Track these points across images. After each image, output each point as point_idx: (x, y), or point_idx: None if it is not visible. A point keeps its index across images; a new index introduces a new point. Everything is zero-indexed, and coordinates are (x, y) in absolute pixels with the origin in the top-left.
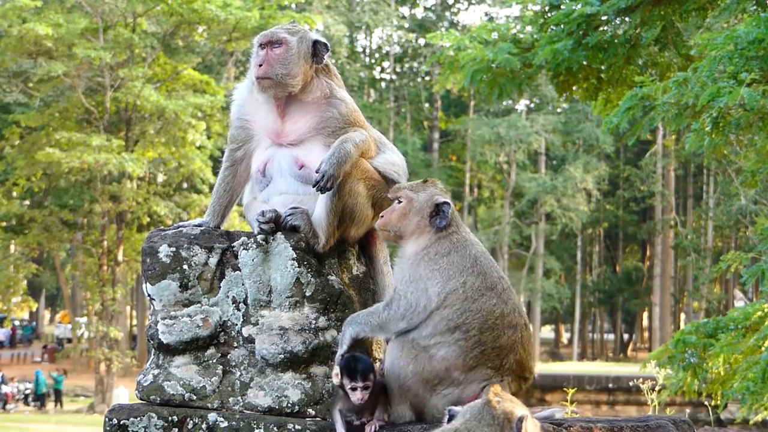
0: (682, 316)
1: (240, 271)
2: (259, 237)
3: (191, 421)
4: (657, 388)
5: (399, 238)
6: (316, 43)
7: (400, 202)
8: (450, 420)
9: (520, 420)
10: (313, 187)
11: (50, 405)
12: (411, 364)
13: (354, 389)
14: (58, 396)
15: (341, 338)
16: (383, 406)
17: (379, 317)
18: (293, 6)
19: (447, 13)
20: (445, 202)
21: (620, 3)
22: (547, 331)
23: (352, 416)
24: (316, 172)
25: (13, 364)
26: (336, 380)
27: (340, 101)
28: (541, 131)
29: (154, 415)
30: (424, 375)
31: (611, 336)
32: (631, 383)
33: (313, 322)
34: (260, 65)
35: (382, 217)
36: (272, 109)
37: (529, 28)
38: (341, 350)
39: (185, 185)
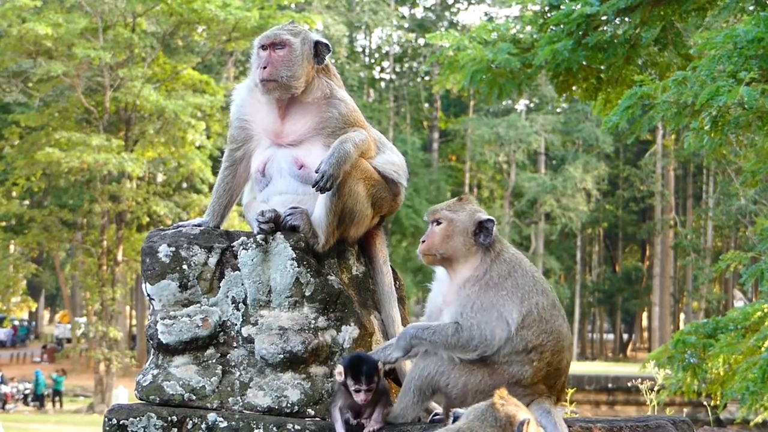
0: (682, 316)
1: (239, 271)
2: (258, 237)
3: (191, 421)
4: (656, 389)
5: (446, 260)
6: (317, 43)
7: (439, 223)
8: (455, 421)
9: (522, 423)
10: (313, 187)
11: (49, 405)
12: (464, 377)
13: (358, 391)
14: (58, 396)
15: (396, 342)
16: (383, 405)
17: (447, 340)
18: (293, 6)
19: (447, 13)
20: (489, 219)
21: (620, 3)
22: None
23: (348, 413)
24: (316, 172)
25: (12, 364)
26: (339, 378)
27: (340, 101)
28: (541, 131)
29: (153, 415)
30: (479, 387)
31: (611, 336)
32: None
33: (313, 322)
34: (264, 67)
35: (423, 242)
36: (272, 110)
37: (528, 28)
38: (395, 355)
39: (185, 185)
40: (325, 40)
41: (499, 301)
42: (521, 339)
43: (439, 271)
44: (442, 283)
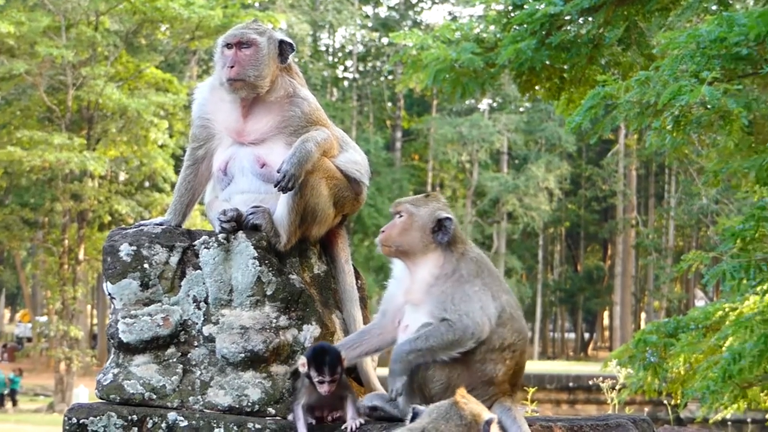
0: (643, 315)
1: (201, 270)
2: (220, 236)
3: (151, 421)
4: (617, 387)
5: (401, 254)
6: (281, 43)
7: (400, 216)
8: (414, 418)
9: (488, 423)
10: (275, 186)
11: (8, 405)
12: (446, 374)
13: (321, 382)
14: (14, 396)
15: (395, 372)
16: (352, 401)
17: (444, 339)
18: (257, 5)
19: (410, 12)
20: (448, 218)
21: (583, 3)
22: None
23: (310, 418)
24: (278, 171)
25: None
26: (303, 370)
27: (303, 100)
28: (504, 130)
29: (113, 414)
30: (457, 384)
31: (572, 335)
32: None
33: (274, 321)
34: (231, 66)
35: (382, 232)
36: (235, 108)
37: (492, 28)
38: (399, 383)
39: (147, 184)
40: (289, 40)
41: (477, 294)
42: (498, 337)
43: (398, 268)
44: (402, 281)
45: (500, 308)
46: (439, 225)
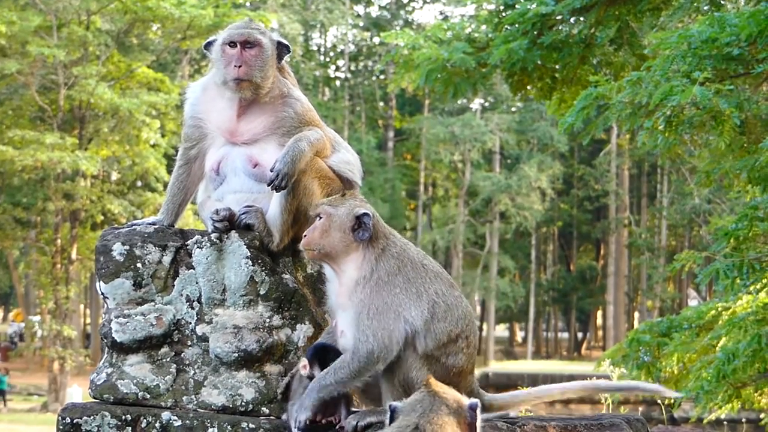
0: (636, 314)
1: (194, 269)
2: (213, 235)
3: (145, 420)
4: None
5: (325, 256)
6: (278, 44)
7: (320, 218)
8: (393, 415)
9: (473, 408)
10: (268, 185)
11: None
12: (426, 371)
13: None
14: (2, 395)
15: (303, 406)
16: (348, 404)
17: (349, 369)
18: (248, 4)
19: (402, 12)
20: (365, 213)
21: (575, 3)
22: (501, 330)
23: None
24: (271, 171)
25: None
26: (305, 372)
27: (296, 100)
28: (496, 130)
29: (107, 413)
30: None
31: (565, 334)
32: None
33: (267, 320)
34: (239, 66)
35: (305, 236)
36: (228, 108)
37: (483, 28)
38: (303, 416)
39: (139, 183)
40: (285, 41)
41: (395, 300)
42: (441, 331)
43: (328, 270)
44: (332, 283)
45: (430, 302)
46: (358, 222)
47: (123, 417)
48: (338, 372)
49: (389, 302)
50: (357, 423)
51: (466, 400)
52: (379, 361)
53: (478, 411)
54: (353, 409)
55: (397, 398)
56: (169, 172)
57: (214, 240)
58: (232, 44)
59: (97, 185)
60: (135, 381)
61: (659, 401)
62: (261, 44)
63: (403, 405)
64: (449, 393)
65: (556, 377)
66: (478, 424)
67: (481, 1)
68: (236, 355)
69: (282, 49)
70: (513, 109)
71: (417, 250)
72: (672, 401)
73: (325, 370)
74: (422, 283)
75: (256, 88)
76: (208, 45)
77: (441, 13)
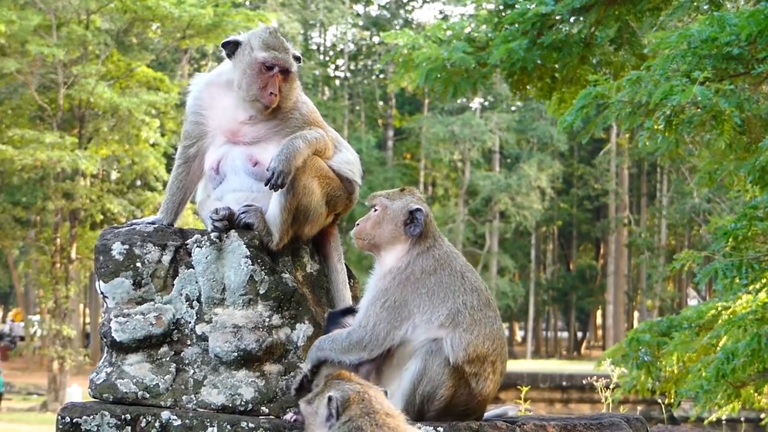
0: (636, 314)
1: (193, 268)
2: (212, 234)
3: (144, 420)
4: (611, 387)
5: (374, 246)
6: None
7: (375, 209)
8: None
9: (385, 393)
10: (265, 185)
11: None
12: (450, 391)
13: None
14: None
15: (306, 361)
16: None
17: (341, 343)
18: (247, 3)
19: (401, 11)
20: (418, 209)
21: (575, 2)
22: None
23: None
24: (267, 170)
25: None
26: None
27: (303, 104)
28: (495, 129)
29: (106, 413)
30: (458, 402)
31: (565, 334)
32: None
33: (267, 320)
34: (273, 94)
35: (357, 224)
36: (233, 110)
37: (483, 27)
38: (306, 367)
39: (139, 183)
40: (298, 54)
41: (415, 300)
42: (468, 342)
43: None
44: (373, 275)
45: (454, 310)
46: (411, 217)
47: (122, 416)
48: (334, 342)
49: (409, 300)
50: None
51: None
52: (365, 350)
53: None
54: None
55: (410, 408)
56: (169, 171)
57: (214, 239)
58: (269, 67)
59: (96, 184)
60: (134, 380)
61: (659, 400)
62: (294, 74)
63: (304, 406)
64: (342, 383)
65: (555, 376)
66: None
67: (481, 1)
68: (236, 354)
69: (297, 60)
70: (513, 108)
71: (464, 261)
72: (672, 400)
73: (327, 335)
74: (453, 291)
75: (278, 110)
76: (227, 44)
77: (441, 13)
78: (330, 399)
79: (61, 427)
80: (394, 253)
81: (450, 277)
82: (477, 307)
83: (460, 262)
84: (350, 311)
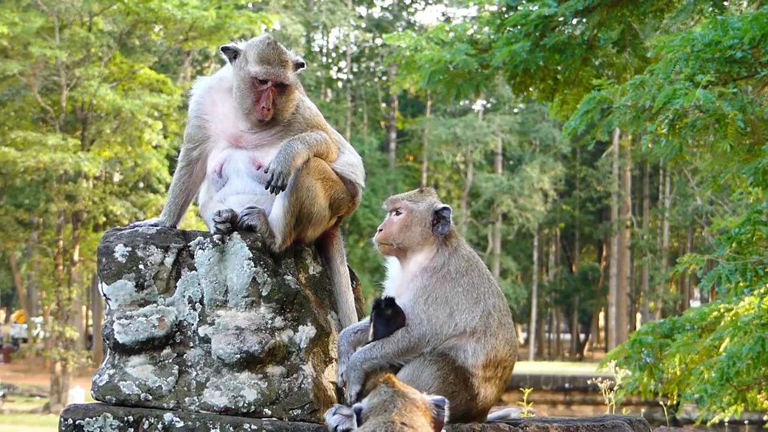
0: (638, 316)
1: (196, 270)
2: (215, 237)
3: (147, 421)
4: (614, 388)
5: (401, 251)
6: (298, 65)
7: (399, 213)
8: (360, 417)
9: (439, 405)
10: (266, 188)
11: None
12: (451, 396)
13: None
14: None
15: (351, 380)
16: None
17: (398, 345)
18: (250, 5)
19: (404, 13)
20: (445, 208)
21: (578, 4)
22: None
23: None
24: (265, 172)
25: None
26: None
27: (307, 108)
28: (498, 131)
29: (109, 415)
30: (464, 412)
31: (567, 336)
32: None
33: (270, 322)
34: (266, 108)
35: (380, 230)
36: (234, 116)
37: (486, 29)
38: (353, 390)
39: (141, 185)
40: (302, 60)
41: (454, 298)
42: (491, 347)
43: (392, 267)
44: (395, 279)
45: (486, 312)
46: (438, 216)
47: (125, 418)
48: (386, 346)
49: (449, 298)
50: (337, 427)
51: (429, 397)
52: (428, 345)
53: (446, 408)
54: (336, 404)
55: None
56: (171, 173)
57: (217, 241)
58: (262, 81)
59: (99, 186)
60: (137, 382)
61: (662, 403)
62: (291, 86)
63: (369, 406)
64: (415, 392)
65: (558, 378)
66: (445, 420)
67: (484, 3)
68: (238, 356)
69: (299, 67)
70: (515, 110)
71: (483, 263)
72: (674, 402)
73: (371, 343)
74: (484, 292)
75: (276, 121)
76: (227, 49)
77: (443, 15)
78: None
79: (63, 429)
80: (423, 254)
81: (479, 278)
82: (503, 311)
83: (482, 263)
84: (391, 303)
